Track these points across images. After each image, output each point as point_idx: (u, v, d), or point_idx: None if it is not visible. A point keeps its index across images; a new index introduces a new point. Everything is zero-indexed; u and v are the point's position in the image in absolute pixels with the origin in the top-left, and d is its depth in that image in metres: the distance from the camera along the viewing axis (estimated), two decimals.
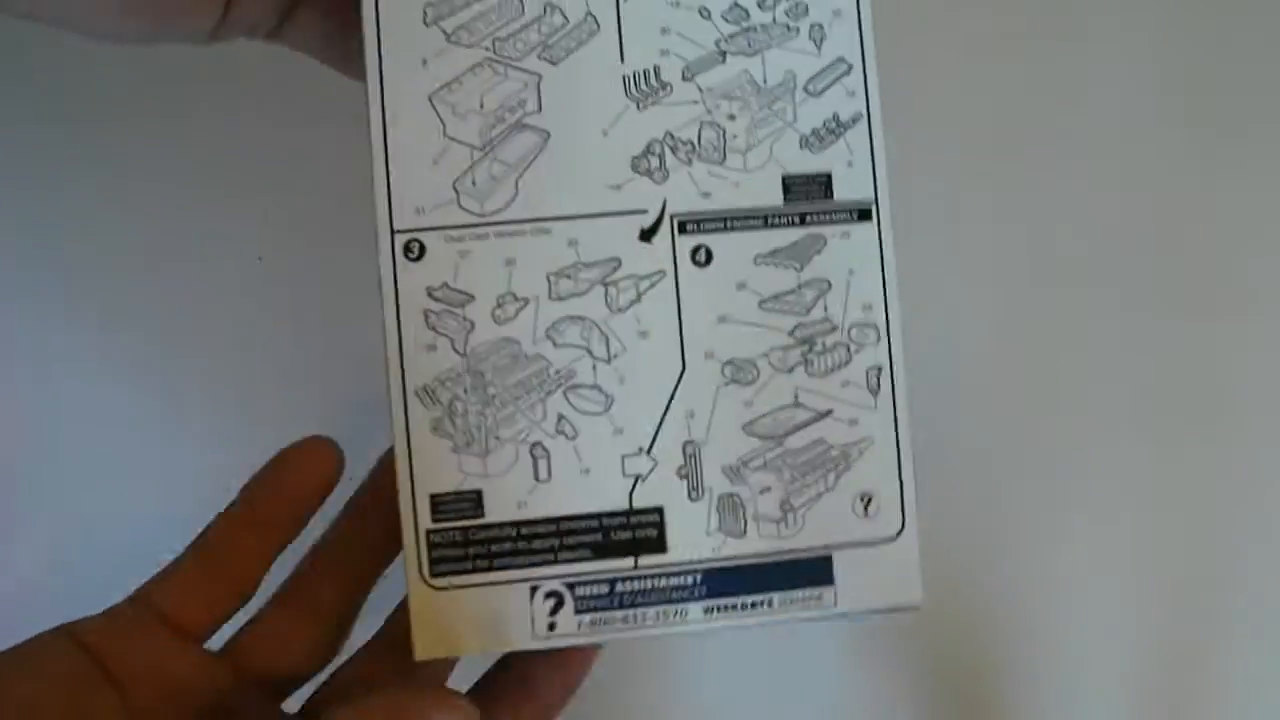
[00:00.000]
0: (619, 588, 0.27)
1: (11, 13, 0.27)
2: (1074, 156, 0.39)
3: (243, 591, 0.29)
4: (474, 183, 0.27)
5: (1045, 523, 0.38)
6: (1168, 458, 0.38)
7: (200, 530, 0.29)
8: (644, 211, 0.27)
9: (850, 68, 0.28)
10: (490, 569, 0.27)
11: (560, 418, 0.27)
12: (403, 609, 0.29)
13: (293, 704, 0.30)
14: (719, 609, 0.27)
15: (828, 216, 0.28)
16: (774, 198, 0.28)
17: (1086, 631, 0.38)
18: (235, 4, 0.29)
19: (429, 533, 0.27)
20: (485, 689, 0.29)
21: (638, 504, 0.27)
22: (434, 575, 0.27)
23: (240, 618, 0.30)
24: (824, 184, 0.28)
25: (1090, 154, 0.39)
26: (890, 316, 0.28)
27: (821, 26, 0.28)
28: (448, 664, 0.31)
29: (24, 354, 0.36)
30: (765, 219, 0.28)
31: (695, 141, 0.28)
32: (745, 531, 0.27)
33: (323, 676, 0.30)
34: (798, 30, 0.28)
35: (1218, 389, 0.39)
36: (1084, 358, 0.38)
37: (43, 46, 0.29)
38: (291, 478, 0.29)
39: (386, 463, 0.30)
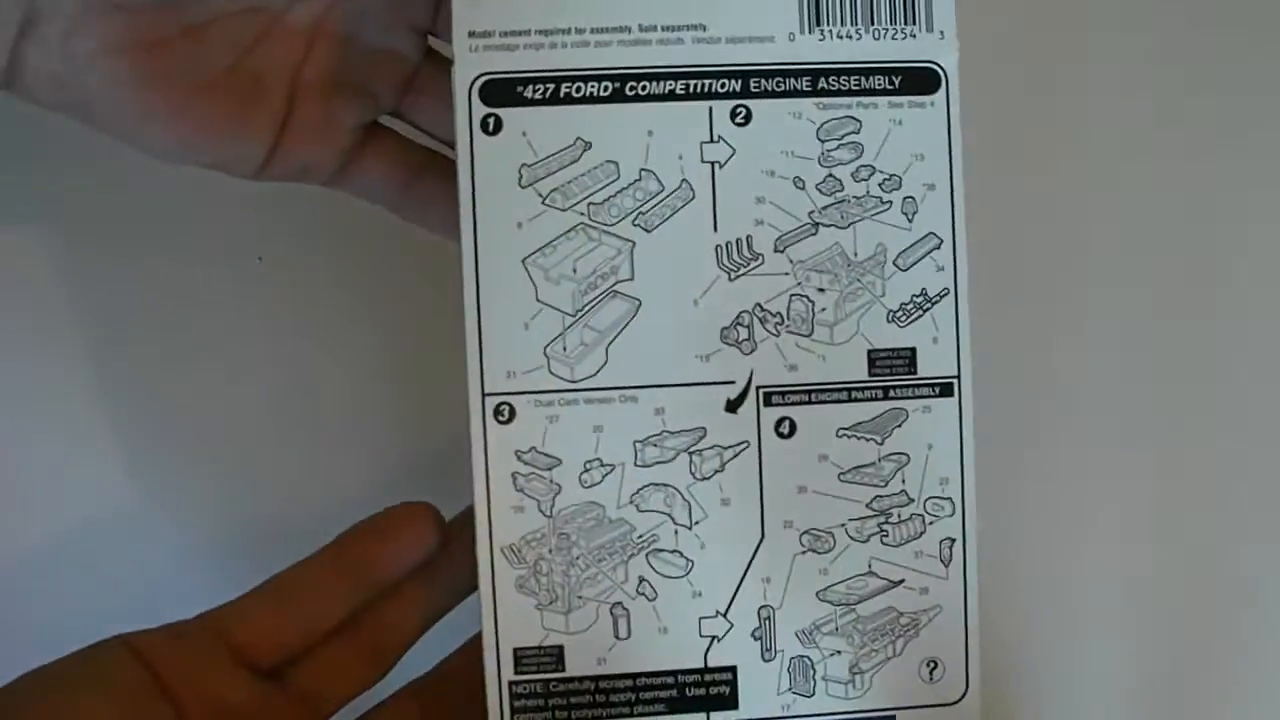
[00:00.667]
0: None
1: (40, 104, 0.27)
2: (1074, 156, 0.39)
3: (313, 632, 0.29)
4: (565, 348, 0.28)
5: (1045, 524, 0.39)
6: (1168, 459, 0.39)
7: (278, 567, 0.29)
8: (731, 383, 0.28)
9: (941, 242, 0.28)
10: (569, 719, 0.28)
11: (641, 579, 0.28)
12: (451, 661, 0.30)
13: None
14: None
15: (911, 391, 0.28)
16: (858, 371, 0.28)
17: (1087, 632, 0.39)
18: (288, 137, 0.29)
19: (511, 684, 0.28)
20: None
21: (712, 663, 0.28)
22: None
23: None
24: (908, 359, 0.28)
25: (1090, 153, 0.39)
26: (966, 490, 0.29)
27: (914, 200, 0.28)
28: None
29: (21, 355, 0.36)
30: (849, 392, 0.28)
31: (784, 314, 0.28)
32: (815, 692, 0.29)
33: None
34: (890, 203, 0.28)
35: (1218, 389, 0.39)
36: (1084, 358, 0.39)
37: None
38: (389, 538, 0.29)
39: (468, 511, 0.29)
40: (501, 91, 0.27)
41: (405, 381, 0.37)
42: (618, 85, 0.27)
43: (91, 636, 0.27)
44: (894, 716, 0.29)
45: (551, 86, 0.27)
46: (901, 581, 0.29)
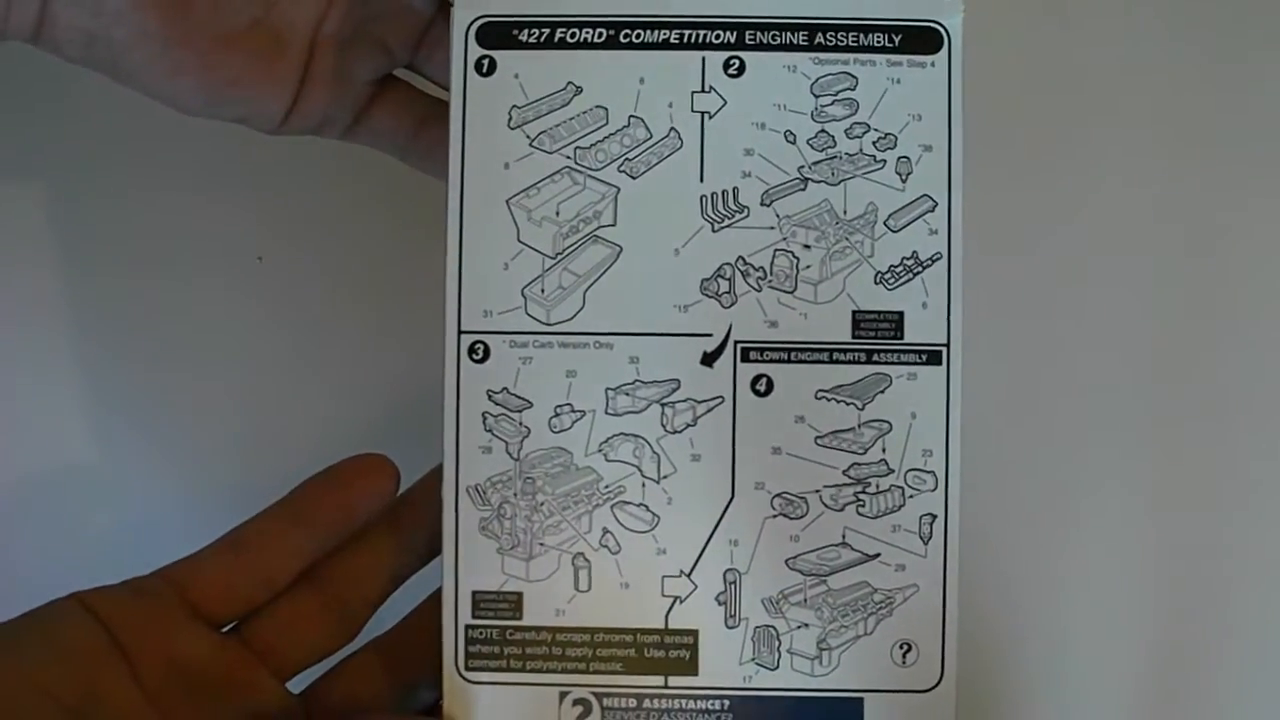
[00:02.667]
0: (646, 704, 0.27)
1: (68, 59, 0.27)
2: (1074, 156, 0.38)
3: (271, 585, 0.29)
4: (543, 291, 0.27)
5: (1044, 525, 0.37)
6: (1167, 460, 0.37)
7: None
8: (708, 335, 0.27)
9: (935, 205, 0.27)
10: (523, 670, 0.28)
11: (605, 531, 0.27)
12: (414, 615, 0.30)
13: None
14: None
15: (896, 357, 0.27)
16: (842, 332, 0.27)
17: (1085, 634, 0.37)
18: (308, 91, 0.29)
19: (468, 628, 0.28)
20: None
21: (674, 624, 0.27)
22: (468, 669, 0.28)
23: None
24: (895, 323, 0.27)
25: (1090, 153, 0.38)
26: (950, 465, 0.27)
27: (909, 160, 0.27)
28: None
29: (23, 356, 0.37)
30: (831, 354, 0.27)
31: (768, 268, 0.27)
32: (779, 665, 0.27)
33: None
34: (884, 162, 0.27)
35: (1218, 389, 0.37)
36: (1084, 358, 0.37)
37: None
38: (345, 487, 0.29)
39: (435, 469, 0.29)
40: (497, 34, 0.28)
41: (405, 381, 0.37)
42: (612, 32, 0.27)
43: None
44: (861, 699, 0.27)
45: (546, 31, 0.28)
46: (877, 556, 0.27)
